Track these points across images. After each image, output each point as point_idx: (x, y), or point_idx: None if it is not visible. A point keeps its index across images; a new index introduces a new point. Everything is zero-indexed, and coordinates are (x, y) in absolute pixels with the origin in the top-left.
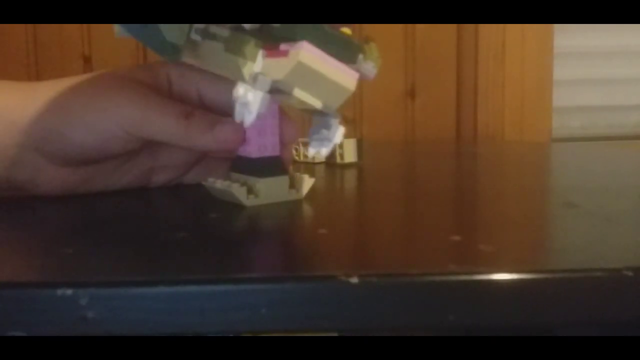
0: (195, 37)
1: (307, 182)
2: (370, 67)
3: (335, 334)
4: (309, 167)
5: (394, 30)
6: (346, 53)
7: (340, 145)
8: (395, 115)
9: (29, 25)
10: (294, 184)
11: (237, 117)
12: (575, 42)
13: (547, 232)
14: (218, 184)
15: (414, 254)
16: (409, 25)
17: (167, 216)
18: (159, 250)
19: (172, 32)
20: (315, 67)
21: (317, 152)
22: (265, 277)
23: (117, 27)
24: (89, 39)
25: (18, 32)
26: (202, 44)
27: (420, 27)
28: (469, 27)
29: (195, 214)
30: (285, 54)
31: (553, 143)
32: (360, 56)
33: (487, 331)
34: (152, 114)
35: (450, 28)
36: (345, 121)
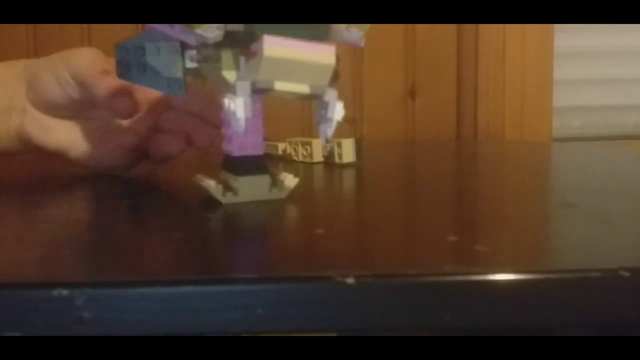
0: (190, 65)
1: (291, 182)
2: (354, 35)
3: (331, 334)
4: (307, 166)
5: (394, 30)
6: (313, 32)
7: (339, 145)
8: (395, 115)
9: (29, 25)
10: (276, 183)
11: (234, 127)
12: (575, 42)
13: (544, 232)
14: (202, 180)
15: (411, 254)
16: (409, 25)
17: (163, 217)
18: (155, 250)
19: (168, 69)
20: (285, 56)
21: (325, 134)
22: (262, 277)
23: (119, 73)
24: (89, 39)
25: (18, 32)
26: (200, 67)
27: (420, 27)
28: (469, 27)
29: (192, 214)
30: (254, 54)
31: (553, 143)
32: (343, 26)
33: (483, 331)
34: (88, 64)
35: (450, 28)
36: (345, 121)
